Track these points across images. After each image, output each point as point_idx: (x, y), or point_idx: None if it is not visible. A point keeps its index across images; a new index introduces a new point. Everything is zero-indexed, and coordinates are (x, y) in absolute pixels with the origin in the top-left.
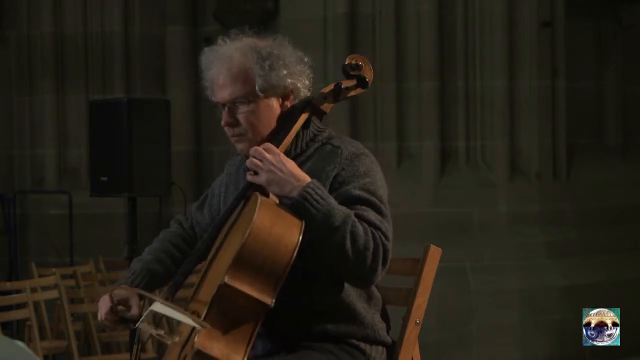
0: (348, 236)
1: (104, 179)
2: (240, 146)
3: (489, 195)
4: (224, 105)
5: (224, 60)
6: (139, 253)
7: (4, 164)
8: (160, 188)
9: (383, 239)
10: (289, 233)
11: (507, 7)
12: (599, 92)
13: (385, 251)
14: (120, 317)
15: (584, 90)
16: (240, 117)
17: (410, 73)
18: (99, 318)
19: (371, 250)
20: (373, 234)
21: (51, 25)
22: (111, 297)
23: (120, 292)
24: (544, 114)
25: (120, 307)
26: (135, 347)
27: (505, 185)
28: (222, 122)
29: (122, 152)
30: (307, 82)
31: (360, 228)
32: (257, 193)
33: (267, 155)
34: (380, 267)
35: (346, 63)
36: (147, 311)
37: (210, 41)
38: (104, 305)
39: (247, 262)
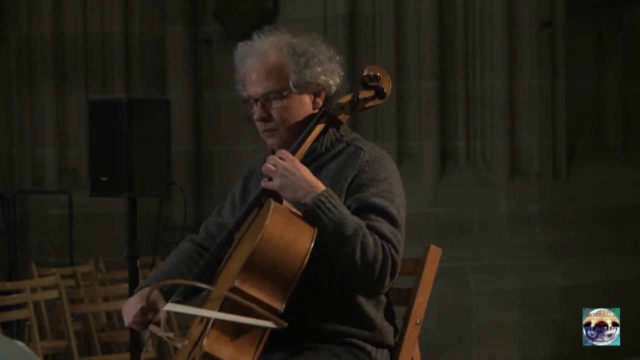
0: (358, 247)
1: (104, 179)
2: (271, 141)
3: (489, 195)
4: (256, 100)
5: (259, 55)
6: (139, 253)
7: (4, 164)
8: (160, 188)
9: (393, 251)
10: (300, 239)
11: (507, 7)
12: (599, 92)
13: (394, 264)
14: (148, 321)
15: (584, 90)
16: (273, 113)
17: (410, 73)
18: (126, 323)
19: (380, 262)
20: (383, 246)
21: (51, 25)
22: (145, 298)
23: (148, 294)
24: (544, 114)
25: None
26: (144, 348)
27: (505, 185)
28: (255, 117)
29: (122, 152)
30: (338, 80)
31: (370, 240)
32: (271, 199)
33: (281, 161)
34: (387, 279)
35: (364, 74)
36: (161, 311)
37: (210, 41)
38: (131, 309)
39: (257, 267)
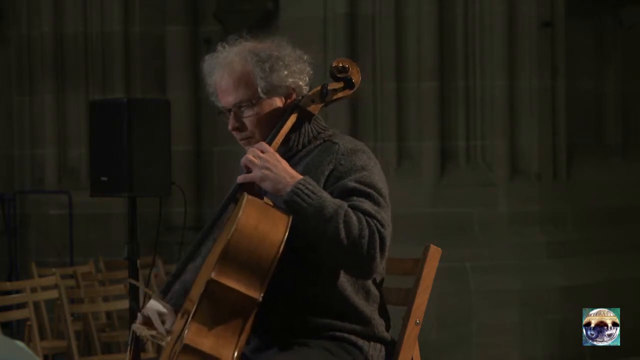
0: (342, 226)
1: (103, 179)
2: (248, 148)
3: (489, 195)
4: (229, 110)
5: (225, 66)
6: (139, 253)
7: (4, 164)
8: (160, 188)
9: (379, 226)
10: (274, 229)
11: (507, 7)
12: (599, 92)
13: (382, 238)
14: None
15: (584, 90)
16: (246, 121)
17: (410, 73)
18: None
19: (367, 238)
20: (368, 222)
21: (51, 25)
22: (142, 314)
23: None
24: (544, 114)
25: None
26: (129, 347)
27: (505, 185)
28: (229, 127)
29: (122, 152)
30: (307, 79)
31: (354, 217)
32: (246, 193)
33: (261, 153)
34: (378, 254)
35: (333, 66)
36: (143, 310)
37: (210, 41)
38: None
39: (232, 258)
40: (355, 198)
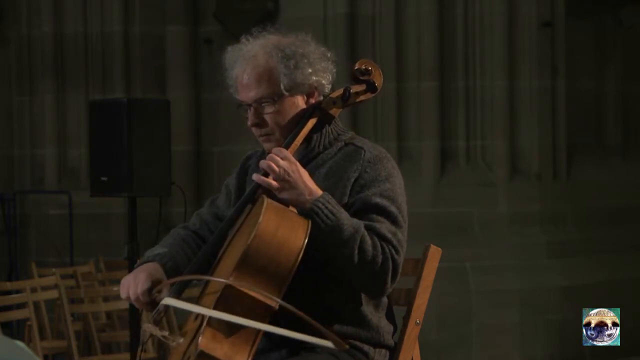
0: (356, 251)
1: (104, 179)
2: (267, 145)
3: (489, 195)
4: (249, 105)
5: (248, 60)
6: (139, 253)
7: (4, 164)
8: (160, 188)
9: (393, 252)
10: (294, 236)
11: (507, 7)
12: (599, 92)
13: (395, 265)
14: (152, 300)
15: (584, 90)
16: (267, 117)
17: (410, 73)
18: (124, 296)
19: (379, 264)
20: (382, 247)
21: (51, 25)
22: (150, 277)
23: (155, 273)
24: (544, 114)
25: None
26: (140, 347)
27: (505, 185)
28: (249, 123)
29: (122, 152)
30: (330, 77)
31: (369, 243)
32: (264, 195)
33: (281, 161)
34: (389, 279)
35: (355, 68)
36: (158, 306)
37: (210, 41)
38: (139, 285)
39: (251, 264)
40: (375, 216)
